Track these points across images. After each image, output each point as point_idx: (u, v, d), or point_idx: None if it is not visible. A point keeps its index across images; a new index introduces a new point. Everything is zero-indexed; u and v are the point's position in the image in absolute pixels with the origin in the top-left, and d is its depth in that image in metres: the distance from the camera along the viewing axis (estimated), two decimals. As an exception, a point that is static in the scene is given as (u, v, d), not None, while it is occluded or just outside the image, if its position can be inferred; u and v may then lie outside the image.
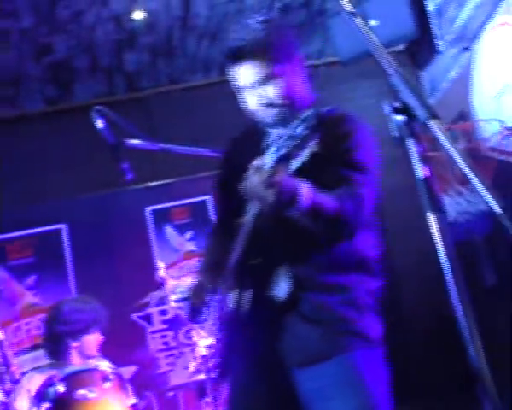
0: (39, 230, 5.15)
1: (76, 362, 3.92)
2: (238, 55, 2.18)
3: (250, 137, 2.33)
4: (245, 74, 2.19)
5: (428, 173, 1.48)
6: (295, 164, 1.85)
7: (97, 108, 3.57)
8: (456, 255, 1.45)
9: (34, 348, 4.82)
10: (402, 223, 5.25)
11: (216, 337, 2.17)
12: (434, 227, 1.46)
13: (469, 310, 1.39)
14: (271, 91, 2.16)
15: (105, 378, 3.59)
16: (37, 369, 4.01)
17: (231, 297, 2.10)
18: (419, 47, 5.48)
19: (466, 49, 4.96)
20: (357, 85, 5.72)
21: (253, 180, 1.83)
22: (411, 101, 1.47)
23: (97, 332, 3.97)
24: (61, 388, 3.47)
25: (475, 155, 4.68)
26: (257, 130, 2.27)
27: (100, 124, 3.54)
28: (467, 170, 1.40)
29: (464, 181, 4.64)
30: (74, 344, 3.92)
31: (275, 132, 2.05)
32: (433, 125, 1.44)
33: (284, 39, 2.24)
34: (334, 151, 2.05)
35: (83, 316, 3.93)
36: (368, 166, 2.12)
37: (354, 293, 2.12)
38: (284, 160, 1.82)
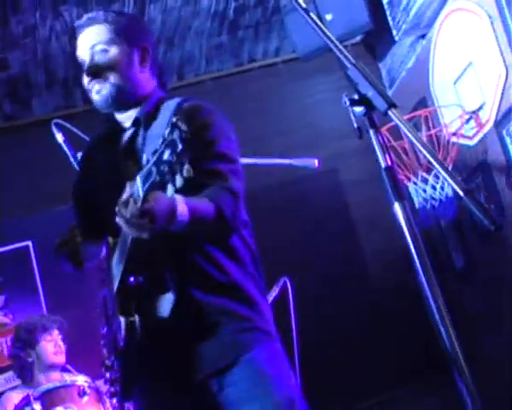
0: (5, 248, 5.07)
1: (41, 378, 3.90)
2: (86, 20, 2.19)
3: (104, 135, 2.32)
4: (84, 39, 2.18)
5: (390, 163, 1.49)
6: (170, 191, 1.64)
7: (56, 121, 3.54)
8: (424, 242, 1.46)
9: (7, 368, 4.75)
10: (368, 214, 5.28)
11: (112, 365, 2.08)
12: (400, 216, 1.46)
13: (439, 293, 1.40)
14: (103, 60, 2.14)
15: (82, 393, 3.57)
16: (12, 389, 3.98)
17: (121, 324, 2.00)
18: (375, 38, 5.51)
19: (422, 37, 5.00)
20: (316, 81, 5.73)
21: (125, 214, 1.72)
22: (369, 92, 1.48)
23: (49, 337, 3.95)
24: (37, 407, 3.44)
25: (437, 142, 4.72)
26: (110, 126, 2.28)
27: (60, 138, 3.51)
28: (429, 157, 1.41)
29: (429, 168, 4.68)
30: (30, 359, 3.90)
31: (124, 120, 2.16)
32: (393, 114, 1.45)
33: (129, 22, 2.24)
34: (197, 146, 1.90)
35: (32, 329, 3.94)
36: (234, 155, 2.10)
37: (244, 291, 2.10)
38: (156, 188, 1.65)
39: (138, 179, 1.67)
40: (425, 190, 4.82)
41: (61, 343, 3.98)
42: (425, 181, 4.78)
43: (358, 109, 1.51)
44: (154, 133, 2.10)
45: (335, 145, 5.38)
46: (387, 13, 5.13)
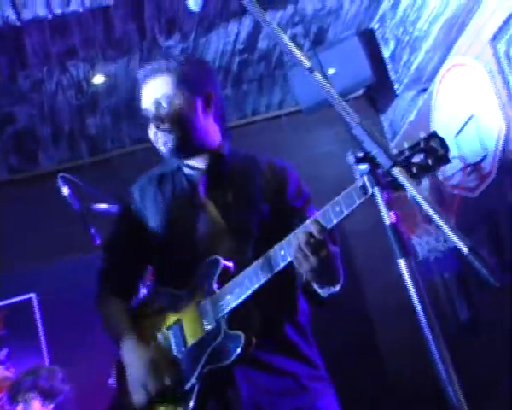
0: (8, 301, 5.07)
1: None
2: (148, 71, 2.23)
3: (162, 174, 2.33)
4: (148, 91, 2.22)
5: (395, 220, 1.51)
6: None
7: (62, 175, 3.57)
8: (427, 295, 1.47)
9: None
10: (374, 262, 5.29)
11: None
12: (405, 271, 1.47)
13: (444, 348, 1.40)
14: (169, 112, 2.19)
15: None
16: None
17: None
18: (377, 92, 5.58)
19: (423, 91, 5.07)
20: (319, 133, 5.79)
21: (304, 239, 1.81)
22: (374, 150, 1.50)
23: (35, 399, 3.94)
24: None
25: (439, 195, 4.75)
26: (169, 167, 2.30)
27: (65, 191, 3.54)
28: (432, 213, 1.43)
29: (432, 220, 4.69)
30: None
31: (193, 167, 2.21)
32: (397, 171, 1.47)
33: (192, 69, 2.27)
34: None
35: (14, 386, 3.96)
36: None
37: (314, 344, 2.19)
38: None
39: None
40: (428, 242, 4.83)
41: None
42: (428, 233, 4.79)
43: (363, 167, 1.53)
44: (234, 175, 2.22)
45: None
46: (389, 67, 5.22)
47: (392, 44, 5.16)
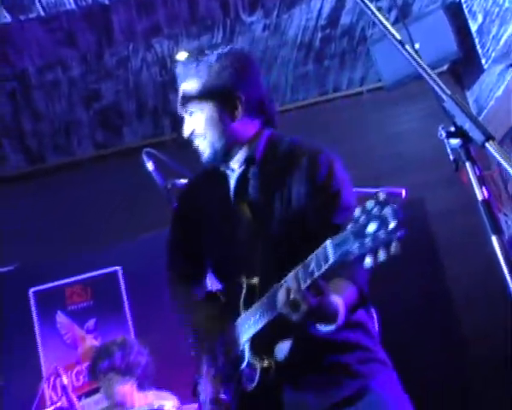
0: (96, 273, 5.22)
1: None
2: (180, 72, 2.24)
3: (207, 179, 2.33)
4: (180, 95, 2.24)
5: (487, 196, 1.47)
6: (368, 261, 1.57)
7: (147, 150, 3.63)
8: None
9: (95, 391, 4.86)
10: (458, 244, 5.18)
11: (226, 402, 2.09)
12: (497, 249, 1.44)
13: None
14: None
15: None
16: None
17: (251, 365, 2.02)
18: (463, 67, 5.44)
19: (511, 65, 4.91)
20: (401, 110, 5.70)
21: (292, 285, 1.76)
22: (466, 124, 1.47)
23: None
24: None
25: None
26: (213, 172, 2.29)
27: (150, 166, 3.60)
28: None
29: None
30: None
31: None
32: (491, 146, 1.44)
33: (223, 71, 2.19)
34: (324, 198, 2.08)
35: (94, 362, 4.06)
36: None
37: (365, 325, 2.16)
38: (350, 256, 1.61)
39: (329, 244, 1.66)
40: (515, 221, 4.71)
41: (114, 387, 4.04)
42: (515, 212, 4.67)
43: (455, 141, 1.49)
44: (269, 175, 2.16)
45: (421, 175, 5.31)
46: (476, 41, 5.07)
47: (479, 18, 5.00)
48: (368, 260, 1.54)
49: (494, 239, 1.43)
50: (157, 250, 5.48)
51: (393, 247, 1.52)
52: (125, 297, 5.16)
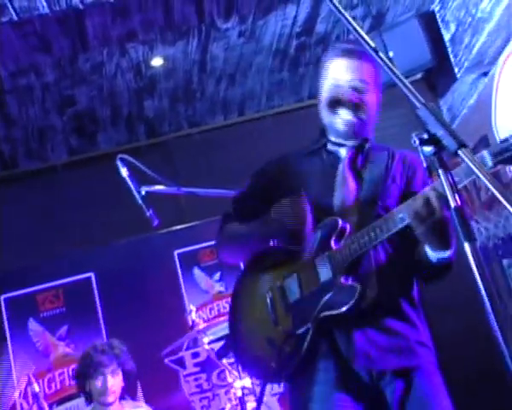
0: (69, 279, 5.18)
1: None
2: (358, 50, 2.34)
3: (308, 152, 2.49)
4: (352, 67, 2.36)
5: (460, 203, 1.48)
6: None
7: (121, 156, 3.62)
8: (490, 279, 1.45)
9: (68, 398, 4.82)
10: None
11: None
12: (470, 256, 1.45)
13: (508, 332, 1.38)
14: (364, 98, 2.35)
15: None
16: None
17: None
18: (436, 75, 5.49)
19: (484, 74, 4.96)
20: (384, 115, 5.71)
21: (420, 205, 1.94)
22: (439, 131, 1.48)
23: (100, 377, 3.95)
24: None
25: (499, 180, 4.65)
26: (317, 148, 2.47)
27: (124, 172, 3.59)
28: (499, 196, 1.40)
29: (491, 205, 4.61)
30: (87, 389, 3.93)
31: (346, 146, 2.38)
32: (463, 153, 1.45)
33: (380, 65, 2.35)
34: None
35: (84, 364, 3.97)
36: None
37: (424, 321, 2.33)
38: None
39: (486, 153, 1.86)
40: (487, 228, 4.75)
41: (112, 382, 3.93)
42: (487, 219, 4.71)
43: (428, 149, 1.50)
44: (374, 166, 2.39)
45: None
46: (449, 50, 5.12)
47: (452, 27, 5.06)
48: None
49: (467, 246, 1.44)
50: (131, 256, 5.48)
51: None
52: (98, 303, 5.13)
